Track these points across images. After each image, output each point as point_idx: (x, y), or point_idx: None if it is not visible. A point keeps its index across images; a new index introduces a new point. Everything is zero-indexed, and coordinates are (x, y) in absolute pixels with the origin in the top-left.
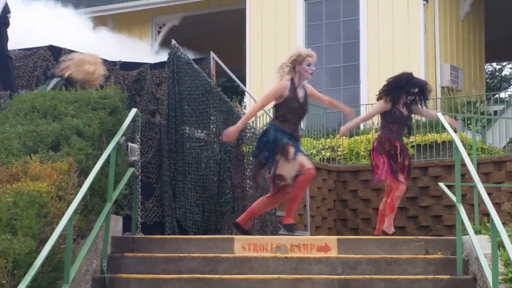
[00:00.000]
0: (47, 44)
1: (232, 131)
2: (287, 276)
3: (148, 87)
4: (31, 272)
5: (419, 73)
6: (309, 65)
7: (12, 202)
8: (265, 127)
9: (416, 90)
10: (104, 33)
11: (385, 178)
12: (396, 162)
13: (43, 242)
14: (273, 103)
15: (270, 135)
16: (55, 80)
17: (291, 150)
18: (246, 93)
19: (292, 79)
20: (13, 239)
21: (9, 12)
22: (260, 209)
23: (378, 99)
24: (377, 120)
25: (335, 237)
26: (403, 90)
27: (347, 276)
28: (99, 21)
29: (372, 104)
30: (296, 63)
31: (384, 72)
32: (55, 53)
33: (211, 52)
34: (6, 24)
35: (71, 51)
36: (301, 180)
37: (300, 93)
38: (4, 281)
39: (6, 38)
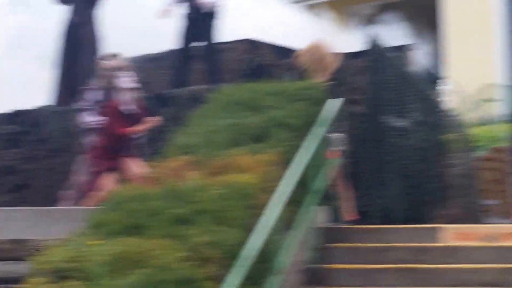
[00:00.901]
0: (246, 37)
1: None
2: (496, 266)
3: (347, 76)
4: (244, 262)
5: None
6: None
7: (220, 194)
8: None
9: None
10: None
11: None
12: None
13: (249, 232)
14: None
15: None
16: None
17: None
18: (446, 81)
19: None
20: (223, 230)
21: (217, 5)
22: None
23: None
24: None
25: None
26: None
27: None
28: None
29: None
30: None
31: None
32: (254, 46)
33: (410, 40)
34: (215, 16)
35: (269, 45)
36: None
37: None
38: (218, 272)
39: (215, 31)
